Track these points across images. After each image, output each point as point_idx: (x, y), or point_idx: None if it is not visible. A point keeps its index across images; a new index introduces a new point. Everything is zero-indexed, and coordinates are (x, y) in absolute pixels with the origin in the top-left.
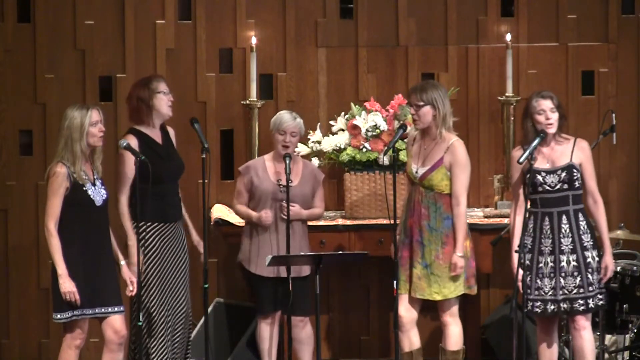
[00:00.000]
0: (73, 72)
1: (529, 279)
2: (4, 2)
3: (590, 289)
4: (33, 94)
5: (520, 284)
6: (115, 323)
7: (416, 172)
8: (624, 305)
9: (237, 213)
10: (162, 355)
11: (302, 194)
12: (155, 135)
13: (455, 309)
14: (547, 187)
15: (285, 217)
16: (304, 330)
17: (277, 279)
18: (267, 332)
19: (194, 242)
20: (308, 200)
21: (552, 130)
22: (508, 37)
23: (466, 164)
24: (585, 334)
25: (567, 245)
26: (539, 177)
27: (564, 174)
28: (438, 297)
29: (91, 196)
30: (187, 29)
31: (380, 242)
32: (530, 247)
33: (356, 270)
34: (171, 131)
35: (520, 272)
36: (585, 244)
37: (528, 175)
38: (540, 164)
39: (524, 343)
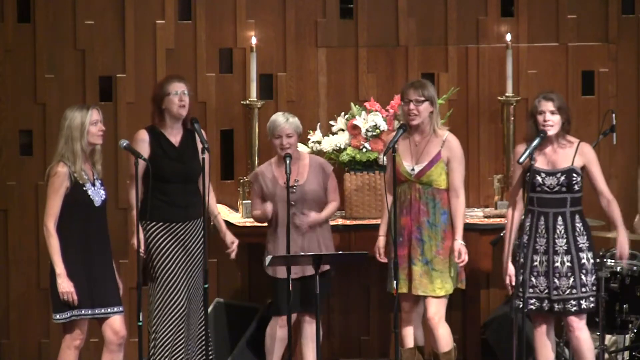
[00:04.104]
0: (73, 72)
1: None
2: (4, 2)
3: (583, 290)
4: (33, 94)
5: (508, 279)
6: (115, 323)
7: (412, 170)
8: (624, 305)
9: (255, 219)
10: (163, 356)
11: (311, 191)
12: (173, 135)
13: (443, 310)
14: (546, 188)
15: (298, 224)
16: (314, 328)
17: (299, 278)
18: (278, 333)
19: (227, 242)
20: (320, 195)
21: (550, 132)
22: (508, 37)
23: (462, 156)
24: (580, 334)
25: (561, 246)
26: (538, 178)
27: (562, 178)
28: (441, 293)
29: (90, 196)
30: (187, 29)
31: None
32: (525, 244)
33: (356, 270)
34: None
35: (512, 269)
36: (580, 246)
37: (528, 174)
38: (542, 164)
39: (524, 343)
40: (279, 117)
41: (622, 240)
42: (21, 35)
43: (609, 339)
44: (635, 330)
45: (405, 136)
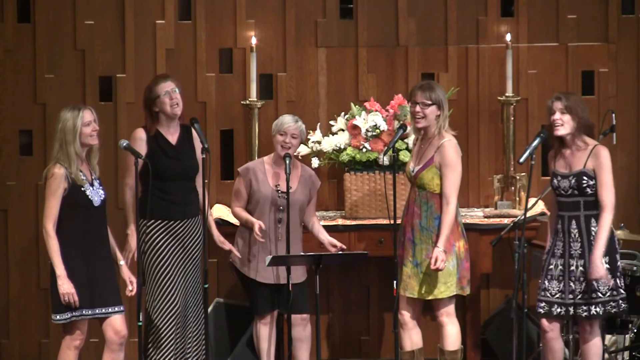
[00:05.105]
0: (73, 72)
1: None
2: (4, 2)
3: (594, 295)
4: (33, 94)
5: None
6: (116, 323)
7: (412, 171)
8: (625, 305)
9: (235, 215)
10: (164, 356)
11: (300, 201)
12: (170, 133)
13: (451, 308)
14: (561, 191)
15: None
16: (305, 330)
17: (273, 284)
18: (266, 332)
19: (217, 242)
20: (304, 205)
21: (559, 132)
22: (508, 37)
23: (455, 164)
24: (589, 339)
25: (576, 250)
26: (555, 181)
27: (573, 181)
28: (428, 297)
29: (89, 196)
30: (187, 29)
31: (380, 242)
32: (548, 248)
33: (356, 270)
34: (195, 131)
35: None
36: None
37: (553, 178)
38: (560, 167)
39: (524, 343)
40: (289, 117)
41: (595, 258)
42: (21, 35)
43: (609, 339)
44: (635, 330)
45: (420, 137)
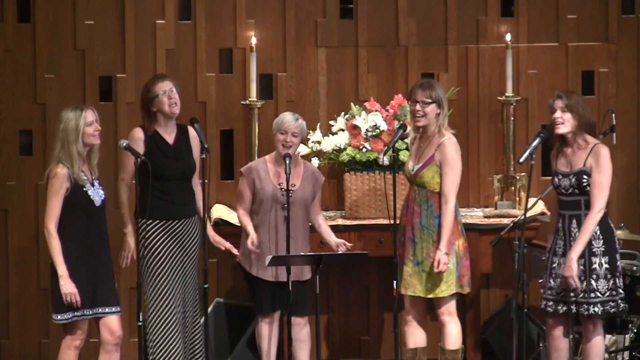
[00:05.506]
0: (73, 72)
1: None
2: (4, 2)
3: (593, 295)
4: (33, 94)
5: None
6: (112, 323)
7: (412, 170)
8: (624, 305)
9: (238, 218)
10: (171, 355)
11: (303, 198)
12: (167, 133)
13: (452, 307)
14: (562, 190)
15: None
16: (304, 330)
17: (277, 282)
18: (267, 332)
19: (212, 242)
20: (308, 202)
21: (560, 130)
22: (508, 37)
23: (455, 162)
24: (591, 338)
25: None
26: (556, 180)
27: (574, 179)
28: (429, 295)
29: (91, 196)
30: (187, 29)
31: (380, 242)
32: (549, 246)
33: (356, 270)
34: (191, 132)
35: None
36: (594, 250)
37: (554, 177)
38: (561, 166)
39: (524, 343)
40: (289, 115)
41: (570, 257)
42: (21, 35)
43: (609, 339)
44: (635, 330)
45: (418, 136)
